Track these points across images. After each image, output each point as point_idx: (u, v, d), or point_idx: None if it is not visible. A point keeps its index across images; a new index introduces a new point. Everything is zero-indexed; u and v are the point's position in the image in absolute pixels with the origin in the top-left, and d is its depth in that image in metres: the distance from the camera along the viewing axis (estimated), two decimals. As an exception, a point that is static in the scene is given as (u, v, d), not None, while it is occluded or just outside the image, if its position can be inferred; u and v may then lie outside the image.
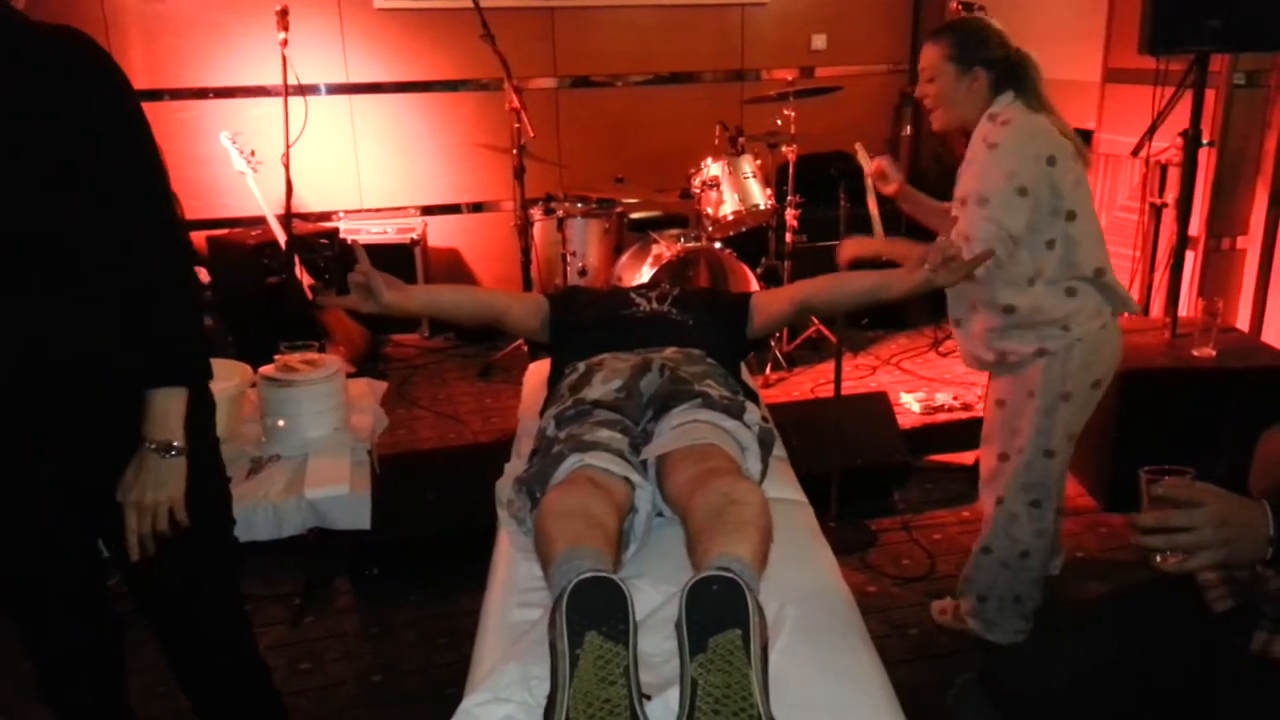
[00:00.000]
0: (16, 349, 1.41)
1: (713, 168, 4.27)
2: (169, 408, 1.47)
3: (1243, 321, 3.82)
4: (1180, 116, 3.41)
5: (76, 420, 1.48)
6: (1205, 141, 3.43)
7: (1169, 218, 3.67)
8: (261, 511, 2.22)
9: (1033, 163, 2.14)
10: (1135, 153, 3.74)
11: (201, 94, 4.66)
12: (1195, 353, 3.19)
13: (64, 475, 1.52)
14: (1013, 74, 2.24)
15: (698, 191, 4.33)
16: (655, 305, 2.35)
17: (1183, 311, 3.52)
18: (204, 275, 4.26)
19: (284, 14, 3.97)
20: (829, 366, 3.26)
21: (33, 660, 1.67)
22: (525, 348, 4.37)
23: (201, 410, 1.59)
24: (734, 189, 4.24)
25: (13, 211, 1.37)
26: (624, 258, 4.27)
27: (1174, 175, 3.61)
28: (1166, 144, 3.61)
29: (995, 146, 2.15)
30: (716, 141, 4.46)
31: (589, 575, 1.31)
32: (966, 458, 3.48)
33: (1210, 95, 3.47)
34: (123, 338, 1.46)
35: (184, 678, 1.77)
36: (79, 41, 1.38)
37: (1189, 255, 3.68)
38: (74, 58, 1.37)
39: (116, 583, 1.72)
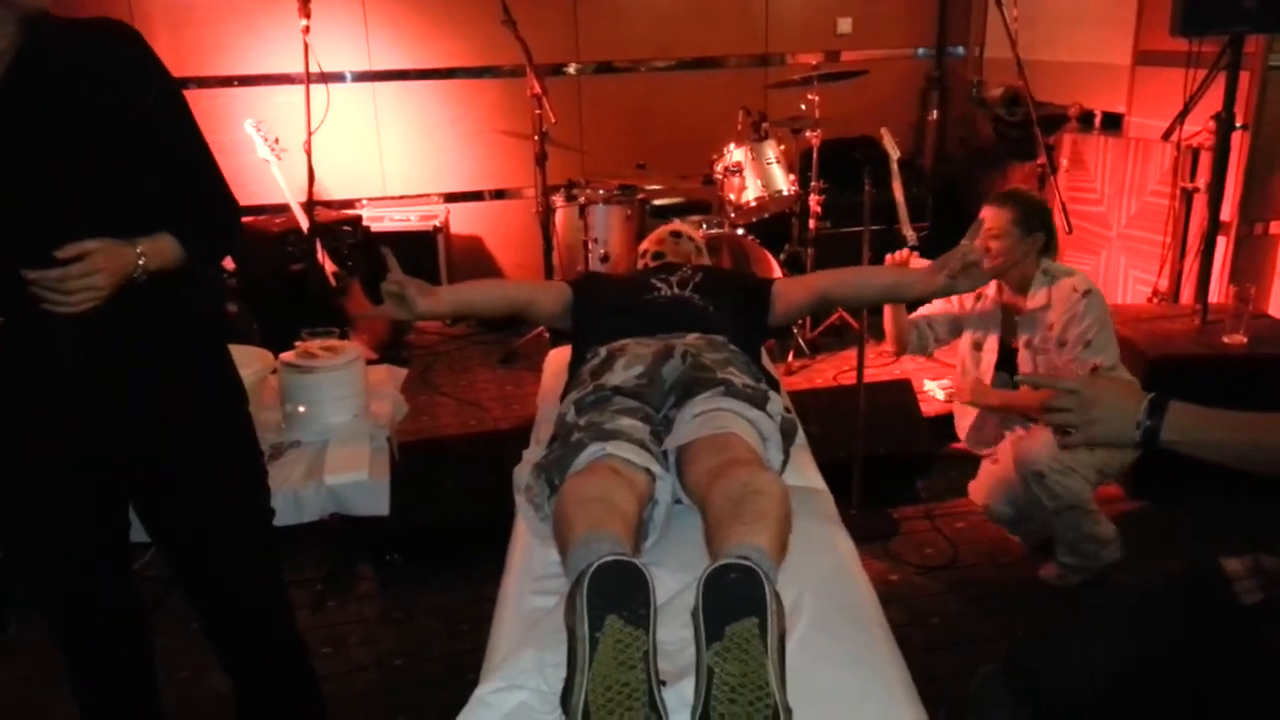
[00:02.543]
0: (80, 332, 1.44)
1: (736, 153, 4.24)
2: (167, 247, 1.50)
3: (1275, 308, 3.75)
4: (1213, 99, 3.35)
5: (125, 399, 1.52)
6: (1239, 125, 3.36)
7: (1200, 203, 3.60)
8: (282, 497, 2.23)
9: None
10: (1166, 136, 3.68)
11: (226, 82, 4.68)
12: (1226, 339, 3.14)
13: (103, 451, 1.55)
14: (1051, 239, 2.71)
15: (720, 177, 4.30)
16: (676, 290, 2.34)
17: (1213, 298, 3.46)
18: (228, 262, 4.28)
19: (306, 1, 3.97)
20: (852, 353, 3.25)
21: (60, 646, 1.69)
22: (546, 334, 4.37)
23: (236, 394, 1.69)
24: (757, 175, 4.20)
25: (98, 201, 1.44)
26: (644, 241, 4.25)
27: (1206, 159, 3.55)
28: (1199, 127, 3.54)
29: (1089, 293, 2.61)
30: (740, 127, 4.43)
31: (610, 558, 1.31)
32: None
33: (1244, 77, 3.40)
34: (177, 325, 1.56)
35: (225, 654, 1.81)
36: (127, 34, 1.47)
37: (1220, 241, 3.62)
38: (131, 49, 1.47)
39: (142, 566, 1.75)
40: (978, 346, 2.88)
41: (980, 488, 2.92)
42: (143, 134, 1.46)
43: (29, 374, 1.47)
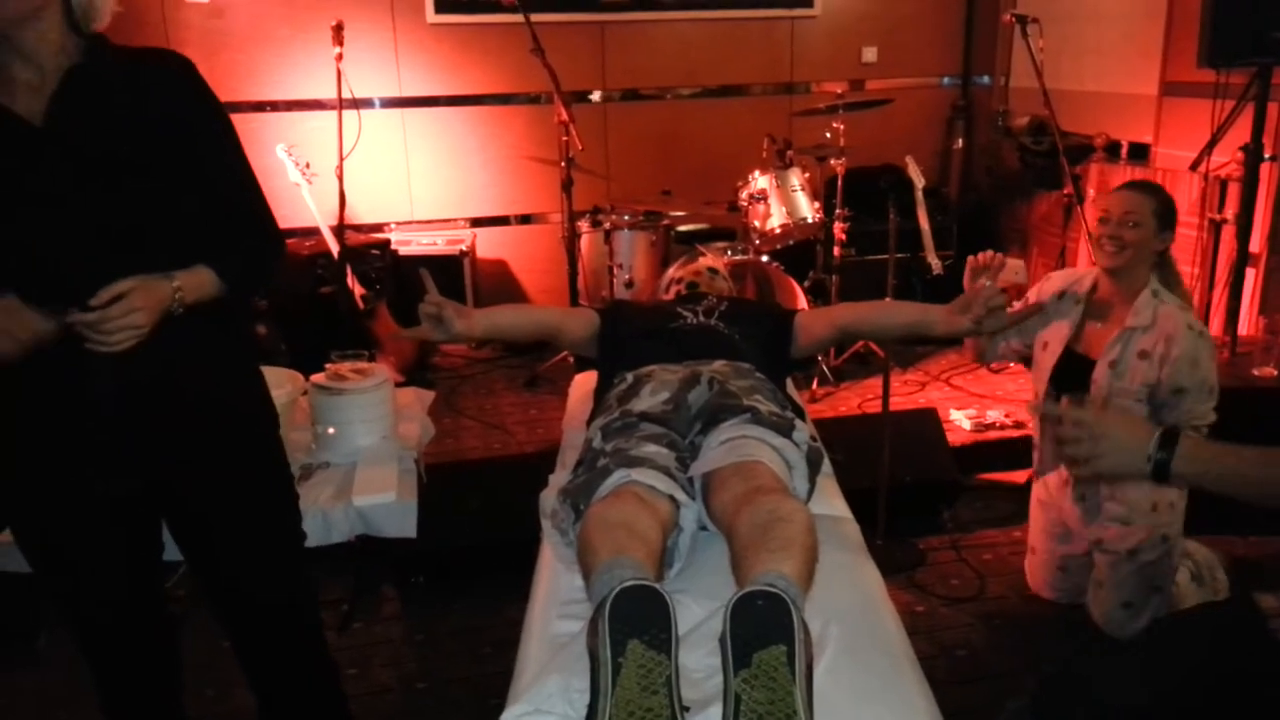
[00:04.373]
0: (115, 358, 1.45)
1: (760, 181, 4.26)
2: (205, 279, 1.52)
3: (1306, 340, 3.71)
4: (1241, 130, 3.34)
5: (158, 421, 1.54)
6: (1267, 156, 3.35)
7: (1228, 234, 3.59)
8: (311, 517, 2.24)
9: None
10: (1194, 167, 3.67)
11: (259, 107, 4.76)
12: (1256, 372, 3.11)
13: (136, 471, 1.56)
14: (1168, 253, 2.53)
15: (745, 204, 4.32)
16: (702, 318, 2.35)
17: (1243, 329, 3.43)
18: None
19: (339, 29, 4.04)
20: (877, 382, 3.23)
21: (89, 660, 1.71)
22: (571, 359, 4.39)
23: (269, 418, 1.71)
24: (781, 202, 4.22)
25: (134, 221, 1.46)
26: (672, 269, 4.27)
27: (1234, 190, 3.53)
28: (1227, 159, 3.53)
29: (1203, 334, 2.40)
30: (764, 154, 4.45)
31: (632, 583, 1.31)
32: (1018, 477, 3.41)
33: (1273, 108, 3.39)
34: (212, 349, 1.58)
35: (256, 674, 1.82)
36: (180, 63, 1.52)
37: (1249, 272, 3.59)
38: (188, 78, 1.52)
39: (173, 585, 1.77)
40: (1045, 347, 2.61)
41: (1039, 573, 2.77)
42: (183, 160, 1.49)
43: (64, 395, 1.49)
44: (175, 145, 1.47)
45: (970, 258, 2.40)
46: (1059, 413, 1.47)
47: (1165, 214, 2.43)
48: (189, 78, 1.52)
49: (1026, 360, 2.75)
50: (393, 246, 4.72)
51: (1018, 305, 2.62)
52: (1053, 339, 2.58)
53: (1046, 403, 1.58)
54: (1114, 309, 2.48)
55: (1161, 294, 2.44)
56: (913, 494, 3.18)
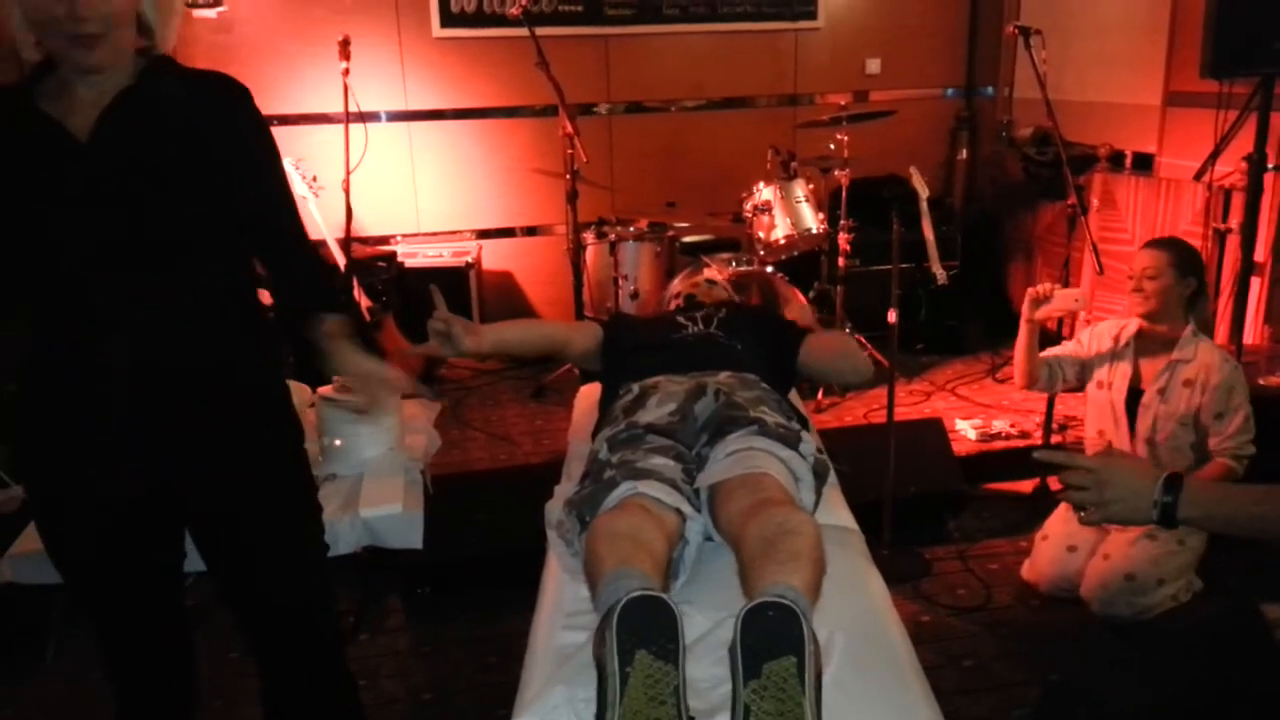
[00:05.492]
0: (145, 353, 1.48)
1: (765, 192, 4.28)
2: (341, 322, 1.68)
3: (1312, 349, 3.72)
4: (1245, 140, 3.35)
5: (183, 420, 1.54)
6: (1270, 166, 3.36)
7: (1233, 244, 3.59)
8: (319, 529, 2.25)
9: None
10: (1198, 177, 3.67)
11: (267, 121, 4.79)
12: (1261, 381, 3.11)
13: (164, 481, 1.57)
14: (1202, 291, 2.76)
15: (750, 216, 4.34)
16: (701, 327, 2.36)
17: (1248, 339, 3.43)
18: (266, 297, 4.34)
19: (346, 44, 4.07)
20: (882, 392, 3.24)
21: (109, 671, 1.71)
22: (576, 371, 4.39)
23: (296, 429, 1.74)
24: (786, 213, 4.23)
25: (187, 225, 1.50)
26: (675, 282, 4.28)
27: (1238, 200, 3.54)
28: (1230, 168, 3.53)
29: (1238, 368, 2.69)
30: (769, 166, 4.47)
31: (639, 594, 1.32)
32: (1024, 486, 3.42)
33: (1276, 119, 3.40)
34: (240, 351, 1.61)
35: (279, 686, 1.81)
36: (233, 88, 1.56)
37: (1254, 281, 3.60)
38: (240, 103, 1.56)
39: (188, 586, 1.79)
40: (1101, 386, 2.83)
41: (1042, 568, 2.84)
42: (220, 183, 1.51)
43: (66, 394, 1.50)
44: (214, 167, 1.50)
45: (1030, 289, 2.82)
46: (1064, 461, 1.48)
47: (1183, 263, 2.68)
48: (241, 104, 1.55)
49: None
50: (399, 259, 4.74)
51: (1069, 348, 2.93)
52: (1114, 378, 2.81)
53: (1048, 452, 1.60)
54: (1159, 346, 2.75)
55: (1200, 334, 2.71)
56: (918, 504, 3.18)
